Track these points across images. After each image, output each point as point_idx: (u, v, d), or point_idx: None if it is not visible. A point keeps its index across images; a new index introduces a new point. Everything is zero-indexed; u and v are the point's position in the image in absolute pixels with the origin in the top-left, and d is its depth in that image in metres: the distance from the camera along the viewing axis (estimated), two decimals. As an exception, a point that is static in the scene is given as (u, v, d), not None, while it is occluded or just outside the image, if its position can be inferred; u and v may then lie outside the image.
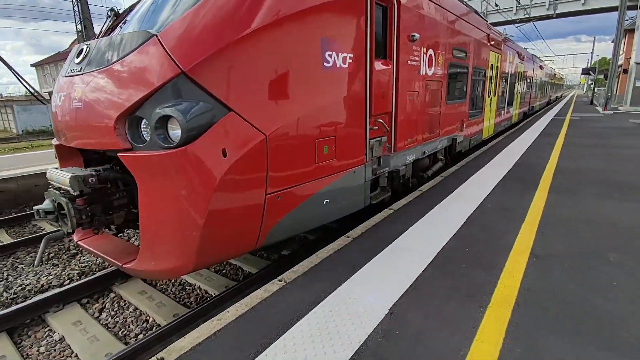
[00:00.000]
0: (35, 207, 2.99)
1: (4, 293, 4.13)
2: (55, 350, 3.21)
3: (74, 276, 4.46)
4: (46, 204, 2.98)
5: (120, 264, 3.02)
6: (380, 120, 4.20)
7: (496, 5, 22.12)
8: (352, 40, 3.60)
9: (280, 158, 3.03)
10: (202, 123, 2.57)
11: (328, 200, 3.64)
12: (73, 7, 12.79)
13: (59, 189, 2.98)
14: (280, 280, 2.82)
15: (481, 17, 8.53)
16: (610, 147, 8.36)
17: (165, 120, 2.56)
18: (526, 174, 5.94)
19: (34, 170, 7.76)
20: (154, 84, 2.58)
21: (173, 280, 4.27)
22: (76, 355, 3.12)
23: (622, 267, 2.83)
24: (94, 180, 2.92)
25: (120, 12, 4.08)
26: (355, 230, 3.75)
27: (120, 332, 3.44)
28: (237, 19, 2.74)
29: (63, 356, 3.13)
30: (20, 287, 4.23)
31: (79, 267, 4.70)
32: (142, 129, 2.70)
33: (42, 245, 3.29)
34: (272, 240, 3.28)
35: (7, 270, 4.72)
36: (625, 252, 3.07)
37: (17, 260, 5.02)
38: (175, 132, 2.56)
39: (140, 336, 3.33)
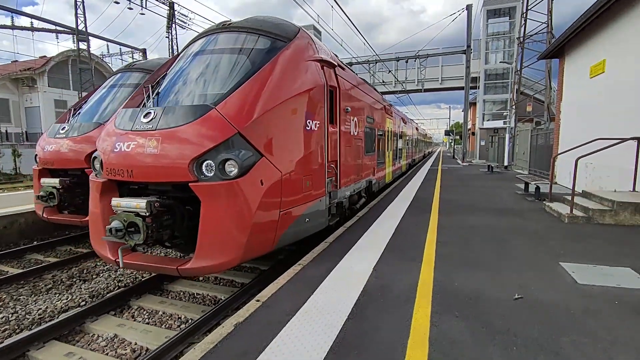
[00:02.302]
0: (107, 227, 3.90)
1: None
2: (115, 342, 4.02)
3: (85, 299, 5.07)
4: (116, 224, 3.91)
5: (175, 267, 3.97)
6: (332, 165, 5.92)
7: (383, 81, 27.91)
8: (319, 112, 5.26)
9: (288, 188, 4.47)
10: (249, 164, 3.96)
11: (308, 219, 5.06)
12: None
13: (123, 213, 3.90)
14: (299, 265, 4.39)
15: (377, 92, 11.75)
16: (468, 186, 12.04)
17: (225, 161, 3.86)
18: (422, 203, 8.61)
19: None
20: (219, 139, 3.87)
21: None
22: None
23: (476, 239, 5.23)
24: (158, 205, 3.99)
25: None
26: (329, 239, 5.52)
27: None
28: (264, 100, 4.27)
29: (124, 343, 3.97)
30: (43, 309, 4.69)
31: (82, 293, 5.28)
32: (204, 168, 3.88)
33: (120, 253, 4.06)
34: (279, 245, 4.56)
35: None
36: (478, 235, 5.53)
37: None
38: (231, 169, 3.85)
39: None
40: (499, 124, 29.40)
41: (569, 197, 6.67)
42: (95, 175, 4.65)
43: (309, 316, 3.04)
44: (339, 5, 11.91)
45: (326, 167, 5.55)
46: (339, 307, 3.20)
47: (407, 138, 19.03)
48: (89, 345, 4.00)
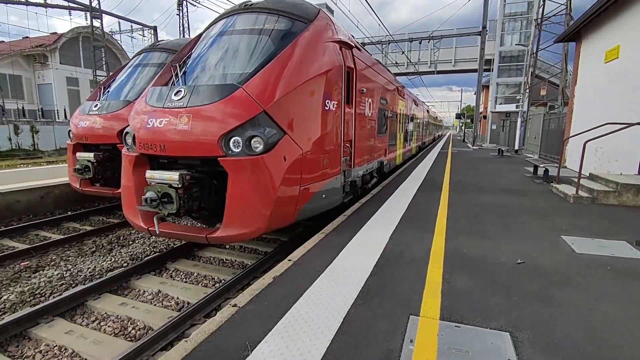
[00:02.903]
0: (143, 197, 4.20)
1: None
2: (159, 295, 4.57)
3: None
4: (151, 194, 4.19)
5: (204, 235, 4.26)
6: (347, 144, 6.06)
7: (396, 62, 27.68)
8: (337, 93, 5.41)
9: (308, 165, 4.69)
10: (273, 141, 4.18)
11: (325, 196, 5.26)
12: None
13: (158, 184, 4.19)
14: (322, 233, 4.84)
15: (390, 73, 11.87)
16: (478, 169, 12.33)
17: (251, 138, 4.08)
18: (433, 184, 8.98)
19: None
20: (246, 117, 4.10)
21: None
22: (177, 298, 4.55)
23: (485, 214, 5.62)
24: (189, 178, 4.24)
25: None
26: (347, 212, 5.96)
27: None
28: (287, 80, 4.45)
29: (168, 298, 4.52)
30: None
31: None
32: (231, 144, 4.11)
33: (155, 221, 4.41)
34: (298, 219, 4.79)
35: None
36: (486, 211, 5.92)
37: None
38: (257, 145, 4.08)
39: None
40: (511, 107, 29.16)
41: (580, 181, 6.98)
42: (127, 149, 4.87)
43: (336, 273, 3.51)
44: None
45: (342, 146, 5.72)
46: (361, 266, 3.66)
47: (418, 121, 18.95)
48: (137, 298, 4.56)
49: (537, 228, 5.07)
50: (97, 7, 27.26)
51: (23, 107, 36.06)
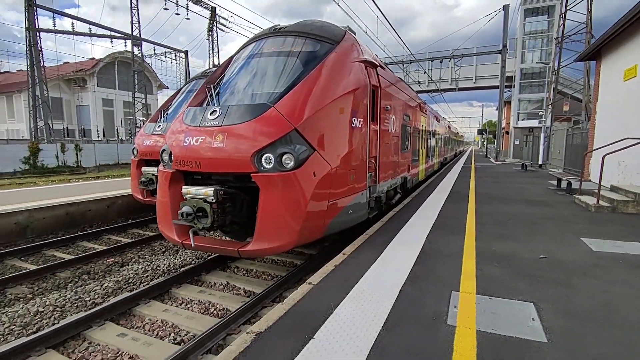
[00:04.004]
0: (179, 211, 4.38)
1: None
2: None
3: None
4: (187, 209, 4.36)
5: (236, 249, 4.36)
6: (372, 160, 6.06)
7: (418, 82, 28.61)
8: (362, 110, 5.51)
9: (336, 180, 4.76)
10: (303, 157, 4.27)
11: (351, 211, 5.31)
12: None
13: (193, 199, 4.36)
14: (365, 235, 5.59)
15: (412, 90, 12.50)
16: (502, 182, 12.81)
17: (282, 155, 4.18)
18: (459, 195, 9.59)
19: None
20: (277, 134, 4.21)
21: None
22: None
23: (510, 221, 6.21)
24: (222, 193, 4.38)
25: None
26: (384, 219, 6.68)
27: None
28: (316, 99, 4.57)
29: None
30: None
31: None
32: (263, 160, 4.21)
33: (191, 235, 4.53)
34: (326, 233, 4.87)
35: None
36: (511, 219, 6.51)
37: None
38: (288, 162, 4.17)
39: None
40: (534, 123, 29.29)
41: (601, 192, 7.47)
42: (164, 166, 4.98)
43: (385, 263, 4.25)
44: (374, 1, 12.03)
45: (367, 162, 5.79)
46: (405, 258, 4.39)
47: (440, 136, 19.02)
48: (211, 288, 5.40)
49: (559, 232, 5.65)
50: (138, 35, 29.64)
51: (67, 127, 38.94)
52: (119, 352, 3.71)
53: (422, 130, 12.19)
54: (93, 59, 43.90)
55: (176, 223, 4.53)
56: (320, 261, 5.31)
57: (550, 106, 22.89)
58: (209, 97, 5.25)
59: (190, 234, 4.53)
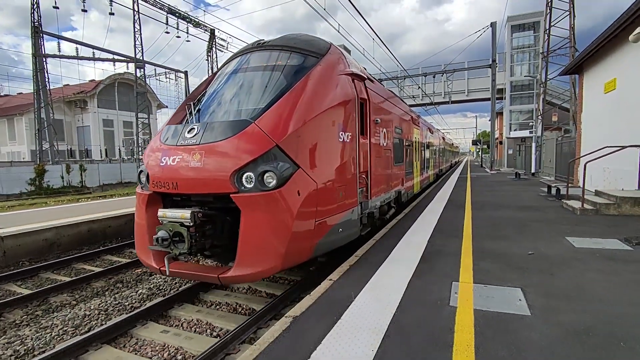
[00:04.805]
0: (154, 237, 4.08)
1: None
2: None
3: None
4: (162, 234, 4.06)
5: (216, 275, 4.04)
6: (363, 175, 5.86)
7: (413, 97, 29.67)
8: (350, 124, 5.31)
9: (323, 198, 4.50)
10: (287, 175, 4.02)
11: (341, 229, 5.05)
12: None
13: (169, 223, 4.03)
14: (373, 240, 6.19)
15: (405, 103, 12.63)
16: (496, 190, 13.52)
17: (264, 173, 3.94)
18: (456, 204, 10.25)
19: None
20: (258, 152, 3.96)
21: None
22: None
23: (503, 225, 6.85)
24: (201, 215, 4.08)
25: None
26: (388, 226, 7.30)
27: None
28: (300, 114, 4.35)
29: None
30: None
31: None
32: (244, 180, 3.98)
33: (166, 262, 4.24)
34: (314, 254, 4.62)
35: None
36: (504, 223, 7.15)
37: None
38: (270, 180, 3.93)
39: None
40: (525, 133, 30.29)
41: (586, 196, 8.16)
42: (141, 188, 4.74)
43: (392, 262, 4.86)
44: (364, 19, 12.71)
45: (358, 177, 5.57)
46: (410, 258, 5.00)
47: (434, 148, 18.89)
48: (209, 308, 5.96)
49: (546, 232, 6.29)
50: (141, 58, 30.68)
51: (70, 148, 39.60)
52: (165, 345, 4.26)
53: (415, 143, 12.10)
54: (93, 80, 44.97)
55: (152, 249, 4.29)
56: (306, 286, 5.89)
57: (540, 117, 23.87)
58: (187, 114, 4.99)
59: (166, 261, 4.24)
